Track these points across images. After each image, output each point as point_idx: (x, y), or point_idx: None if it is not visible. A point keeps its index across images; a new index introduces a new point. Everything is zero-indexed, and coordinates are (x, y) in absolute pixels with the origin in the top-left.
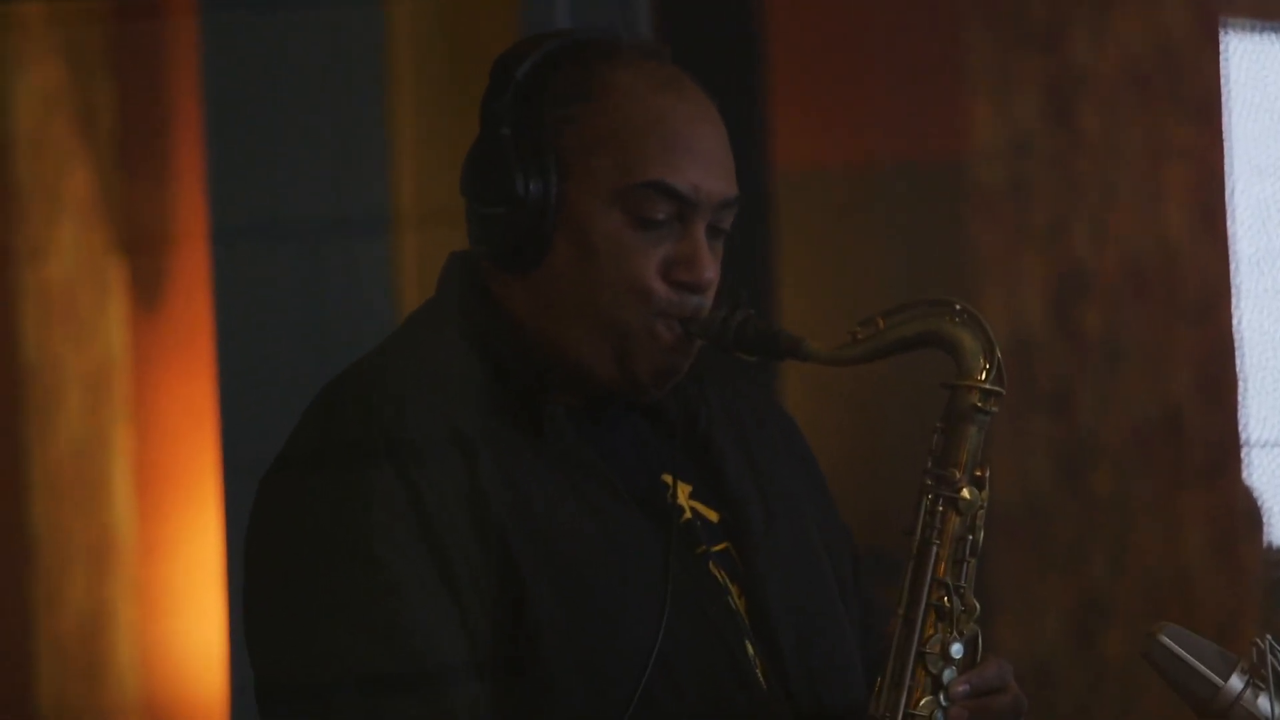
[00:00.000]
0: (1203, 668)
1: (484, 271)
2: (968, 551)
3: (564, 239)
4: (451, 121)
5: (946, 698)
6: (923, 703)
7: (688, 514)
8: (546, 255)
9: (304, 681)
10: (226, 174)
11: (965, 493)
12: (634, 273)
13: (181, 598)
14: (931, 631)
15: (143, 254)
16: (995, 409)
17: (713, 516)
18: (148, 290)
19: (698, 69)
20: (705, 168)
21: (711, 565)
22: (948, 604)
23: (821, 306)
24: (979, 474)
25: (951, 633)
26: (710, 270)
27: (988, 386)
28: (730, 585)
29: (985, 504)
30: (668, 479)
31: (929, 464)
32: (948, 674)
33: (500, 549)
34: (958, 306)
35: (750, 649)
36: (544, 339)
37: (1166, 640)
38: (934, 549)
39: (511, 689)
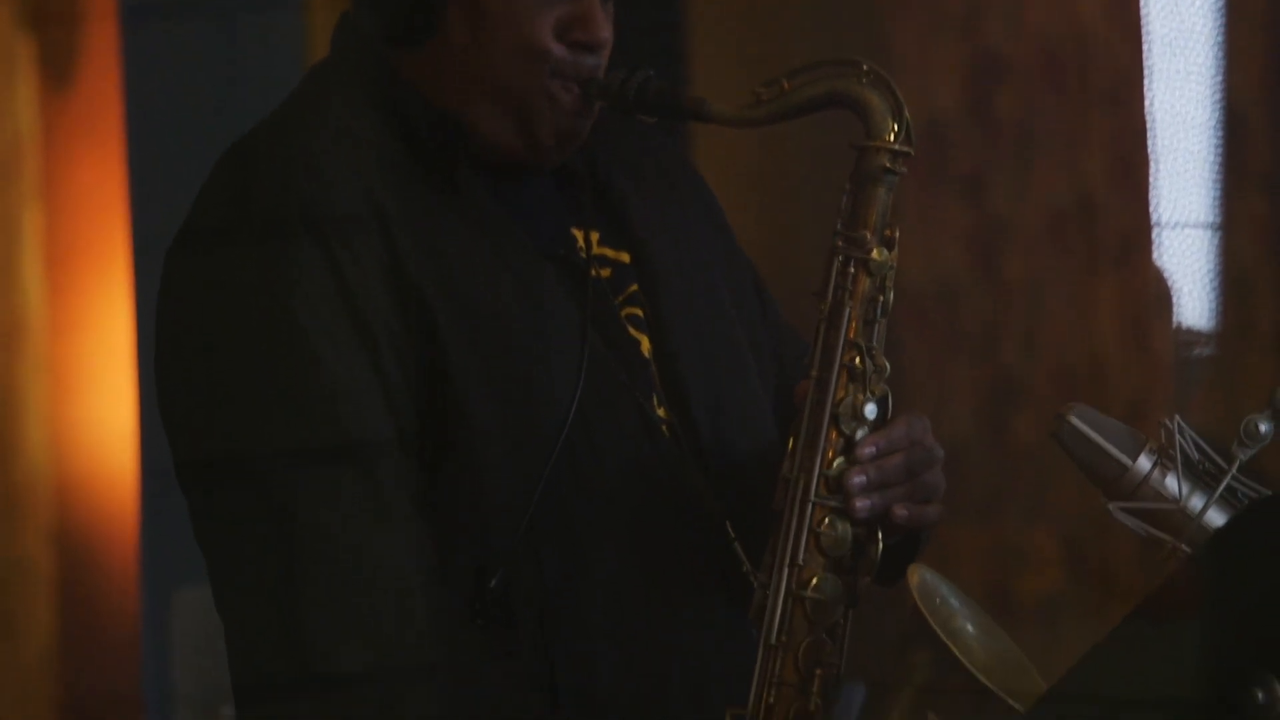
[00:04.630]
0: (1111, 448)
1: (379, 41)
2: (878, 312)
3: (456, 7)
4: None
5: (853, 459)
6: (836, 463)
7: (595, 270)
8: (439, 25)
9: (226, 455)
10: None
11: (876, 253)
12: (529, 34)
13: (92, 376)
14: (843, 393)
15: (52, 30)
16: (904, 170)
17: (624, 258)
18: (57, 67)
19: None
20: None
21: (623, 317)
22: (859, 364)
23: (733, 98)
24: (889, 234)
25: (864, 393)
26: (605, 29)
27: (897, 147)
28: (640, 336)
29: (895, 265)
30: (577, 234)
31: (838, 226)
32: (861, 434)
33: (419, 313)
34: (865, 67)
35: (656, 398)
36: (445, 109)
37: (1076, 421)
38: (845, 310)
39: (435, 452)
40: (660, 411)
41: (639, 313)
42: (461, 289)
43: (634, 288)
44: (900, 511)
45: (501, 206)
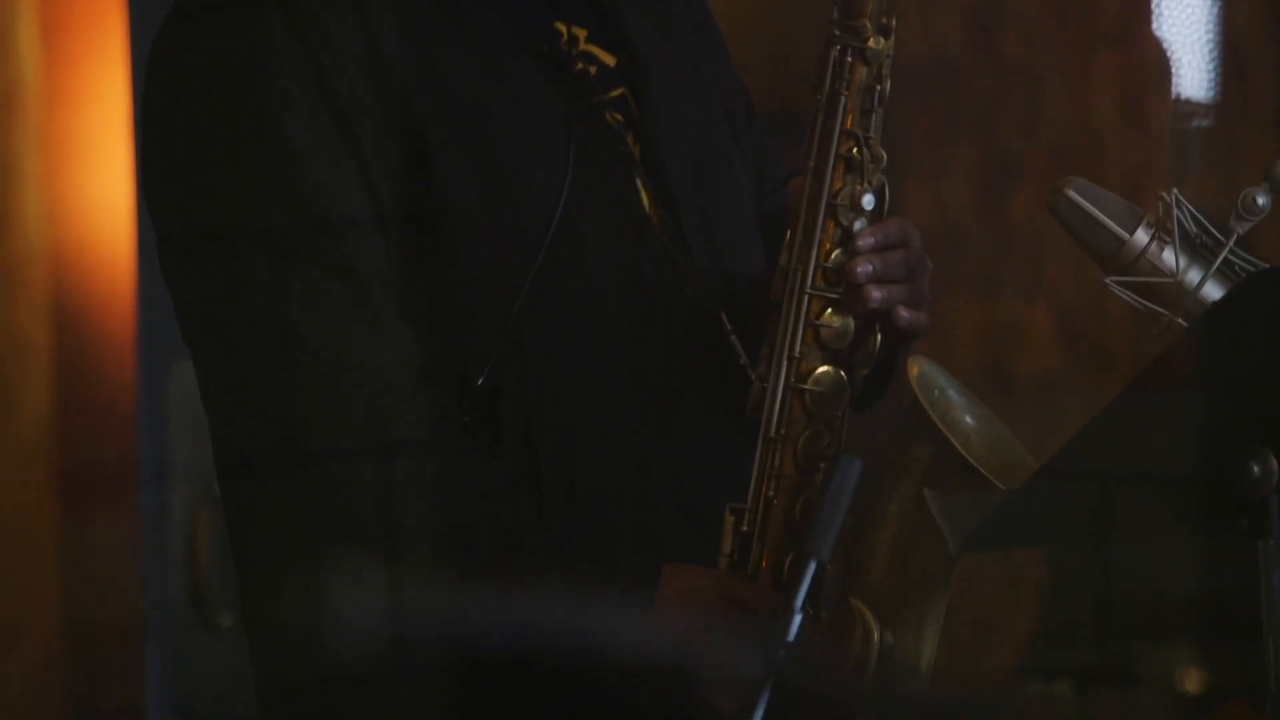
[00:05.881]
0: (1109, 221)
1: None
2: (875, 102)
3: None
4: None
5: (852, 251)
6: (834, 255)
7: (581, 64)
8: None
9: (204, 240)
10: None
11: (873, 42)
12: None
13: (89, 146)
14: (840, 183)
15: None
16: None
17: (609, 60)
18: None
19: None
20: None
21: (608, 115)
22: (856, 155)
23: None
24: (886, 22)
25: (861, 184)
26: None
27: None
28: (625, 134)
29: (892, 53)
30: (561, 28)
31: (835, 14)
32: (858, 225)
33: (402, 106)
34: None
35: (645, 198)
36: None
37: (1073, 194)
38: (842, 100)
39: (418, 247)
40: (645, 202)
41: (620, 117)
42: (441, 77)
43: (620, 90)
44: (904, 314)
45: None
